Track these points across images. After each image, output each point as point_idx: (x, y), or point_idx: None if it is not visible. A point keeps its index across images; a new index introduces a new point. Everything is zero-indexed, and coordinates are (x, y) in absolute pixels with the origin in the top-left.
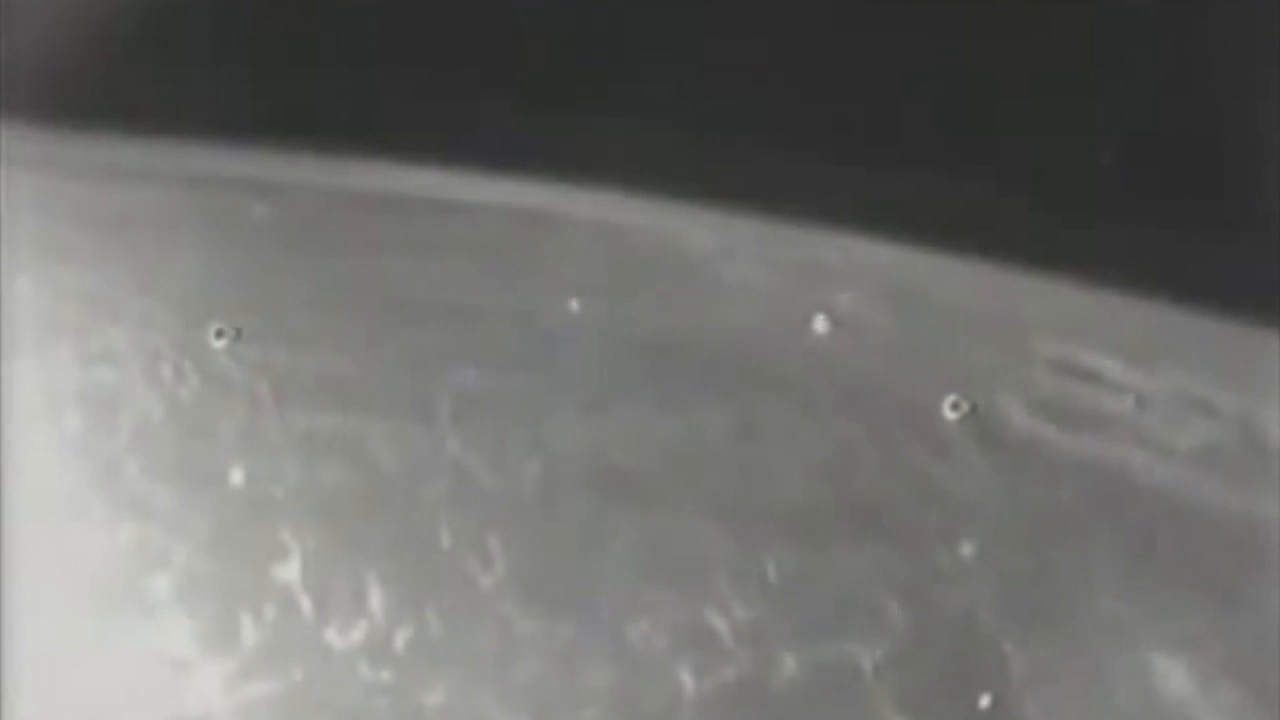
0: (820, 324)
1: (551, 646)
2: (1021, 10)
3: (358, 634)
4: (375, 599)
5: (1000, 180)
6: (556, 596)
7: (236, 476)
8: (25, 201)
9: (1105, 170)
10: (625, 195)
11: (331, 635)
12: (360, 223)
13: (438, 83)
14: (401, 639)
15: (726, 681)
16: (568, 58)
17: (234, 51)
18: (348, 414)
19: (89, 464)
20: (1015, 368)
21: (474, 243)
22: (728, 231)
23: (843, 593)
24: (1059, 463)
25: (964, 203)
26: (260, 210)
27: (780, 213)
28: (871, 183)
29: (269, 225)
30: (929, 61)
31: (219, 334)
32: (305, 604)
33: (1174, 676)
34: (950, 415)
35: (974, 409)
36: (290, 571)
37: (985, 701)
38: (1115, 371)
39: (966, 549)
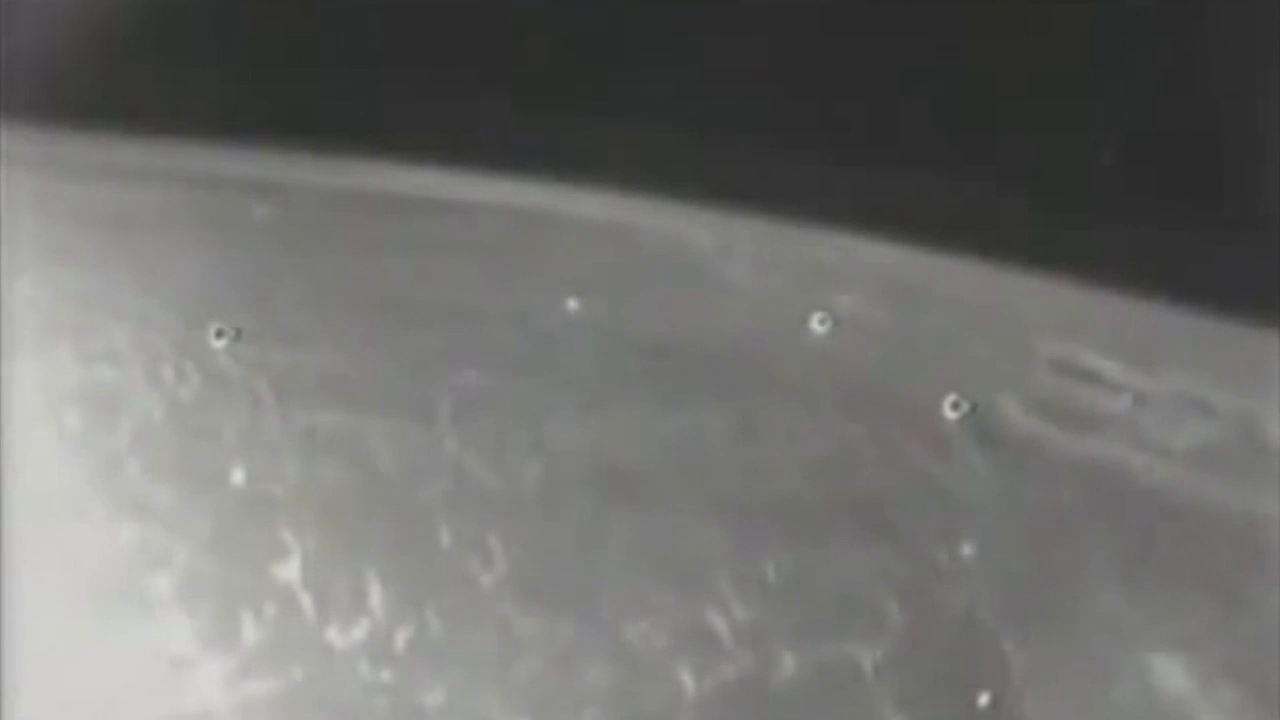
0: (820, 324)
1: (551, 646)
2: (1021, 10)
3: (358, 633)
4: (375, 598)
5: (1000, 180)
6: (556, 596)
7: (237, 476)
8: (25, 201)
9: (1105, 170)
10: (625, 195)
11: (332, 634)
12: (360, 223)
13: (438, 83)
14: (402, 638)
15: (726, 681)
16: (568, 58)
17: (234, 51)
18: (348, 413)
19: (89, 463)
20: (1015, 367)
21: (474, 243)
22: (728, 231)
23: (842, 592)
24: (1059, 462)
25: (964, 203)
26: (260, 210)
27: (780, 213)
28: (871, 183)
29: (269, 225)
30: (929, 61)
31: (219, 334)
32: (306, 603)
33: (1173, 676)
34: (950, 415)
35: (974, 408)
36: (291, 571)
37: (984, 700)
38: (1115, 371)
39: (966, 548)
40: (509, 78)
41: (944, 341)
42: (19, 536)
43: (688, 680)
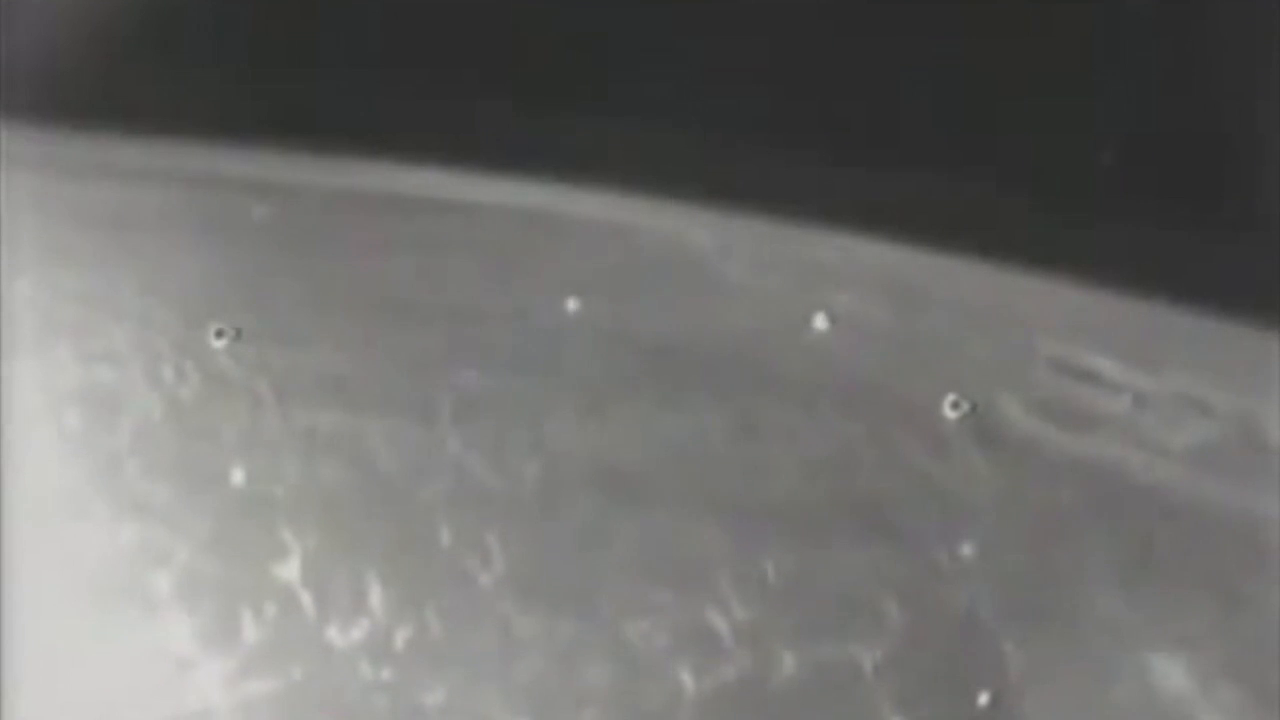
0: (820, 323)
1: (551, 645)
2: (1021, 10)
3: (358, 632)
4: (375, 598)
5: (1000, 180)
6: (556, 596)
7: (237, 476)
8: (25, 201)
9: (1105, 170)
10: (625, 195)
11: (332, 634)
12: (360, 223)
13: (438, 83)
14: (401, 638)
15: (726, 681)
16: (568, 58)
17: (234, 51)
18: (348, 413)
19: (90, 463)
20: (1015, 367)
21: (474, 243)
22: (728, 231)
23: (842, 592)
24: (1058, 462)
25: (964, 203)
26: (260, 210)
27: (780, 213)
28: (871, 183)
29: (269, 225)
30: (929, 61)
31: (219, 334)
32: (306, 602)
33: (1173, 675)
34: (950, 414)
35: (974, 408)
36: (291, 570)
37: (984, 700)
38: (1114, 371)
39: (966, 548)
40: (509, 78)
41: (944, 341)
42: (19, 536)
43: (687, 680)
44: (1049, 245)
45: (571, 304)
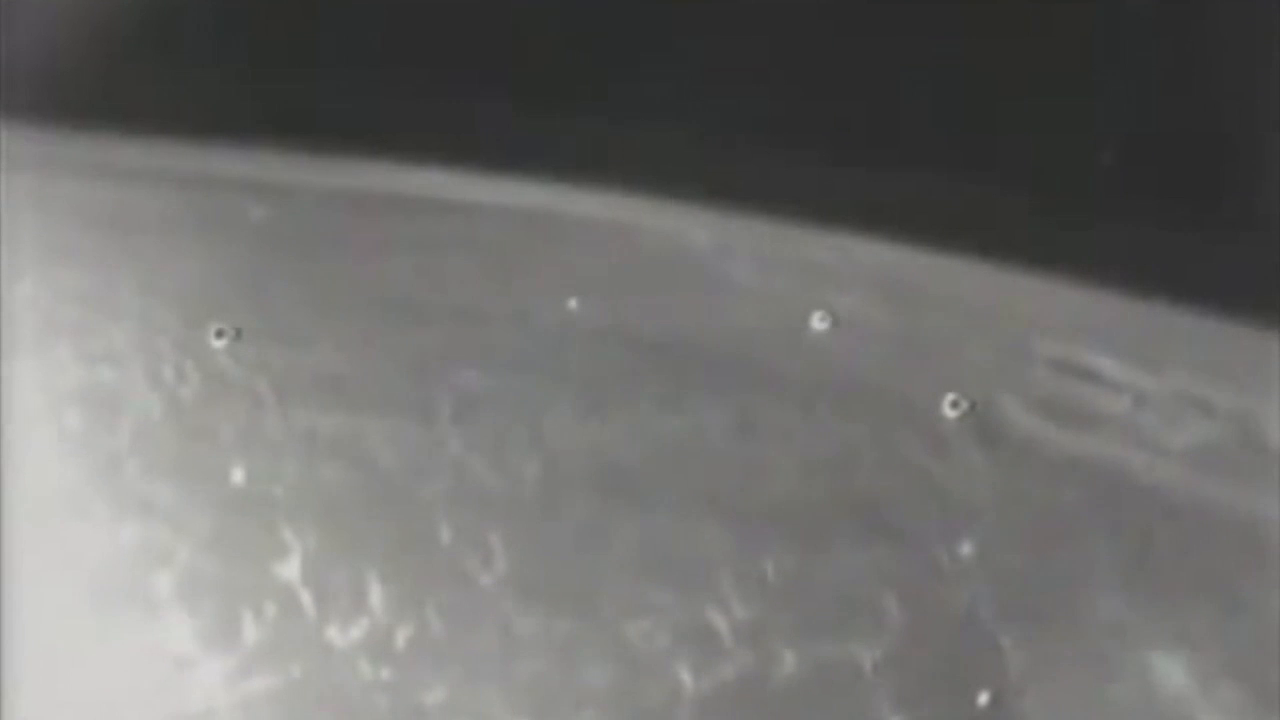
0: (820, 323)
1: (551, 645)
2: (1021, 10)
3: (358, 632)
4: (375, 597)
5: (1000, 180)
6: (556, 595)
7: (237, 475)
8: (25, 201)
9: (1105, 170)
10: (625, 195)
11: (332, 633)
12: (360, 223)
13: (438, 83)
14: (402, 637)
15: (726, 680)
16: (568, 58)
17: (234, 51)
18: (348, 413)
19: (90, 463)
20: (1015, 367)
21: (474, 243)
22: (728, 231)
23: (842, 591)
24: (1058, 462)
25: (964, 203)
26: (259, 211)
27: (780, 213)
28: (871, 183)
29: (269, 225)
30: (929, 61)
31: (219, 334)
32: (306, 602)
33: (1173, 675)
34: (950, 414)
35: (974, 408)
36: (291, 569)
37: (984, 699)
38: (1114, 371)
39: (966, 547)
40: (509, 78)
41: (944, 341)
42: (19, 536)
43: (687, 679)
44: (1049, 245)
45: (571, 304)
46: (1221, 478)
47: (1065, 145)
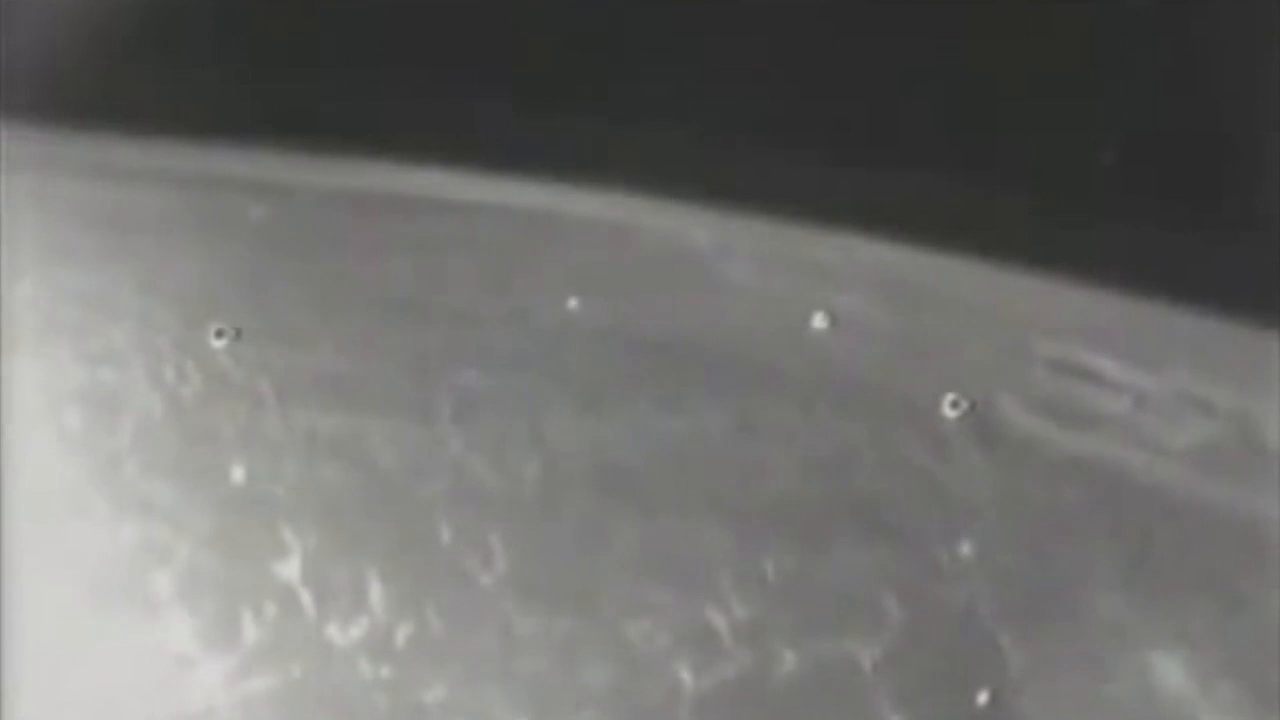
0: (820, 323)
1: (551, 644)
2: (1021, 10)
3: (358, 631)
4: (375, 596)
5: (1000, 180)
6: (556, 594)
7: (237, 475)
8: (25, 201)
9: (1105, 170)
10: (625, 195)
11: (332, 632)
12: (360, 223)
13: (438, 83)
14: (402, 636)
15: (726, 679)
16: (568, 58)
17: (234, 51)
18: (348, 413)
19: (90, 463)
20: (1015, 367)
21: (474, 243)
22: (728, 231)
23: (842, 590)
24: (1058, 461)
25: (964, 203)
26: (259, 210)
27: (780, 213)
28: (871, 183)
29: (268, 225)
30: (929, 61)
31: (219, 334)
32: (306, 601)
33: (1173, 674)
34: (950, 414)
35: (973, 407)
36: (291, 569)
37: (983, 698)
38: (1114, 371)
39: (965, 547)
40: (509, 78)
41: (944, 341)
42: (20, 535)
43: (687, 678)
44: (1049, 245)
45: (571, 304)
46: (1221, 478)
47: (1065, 145)
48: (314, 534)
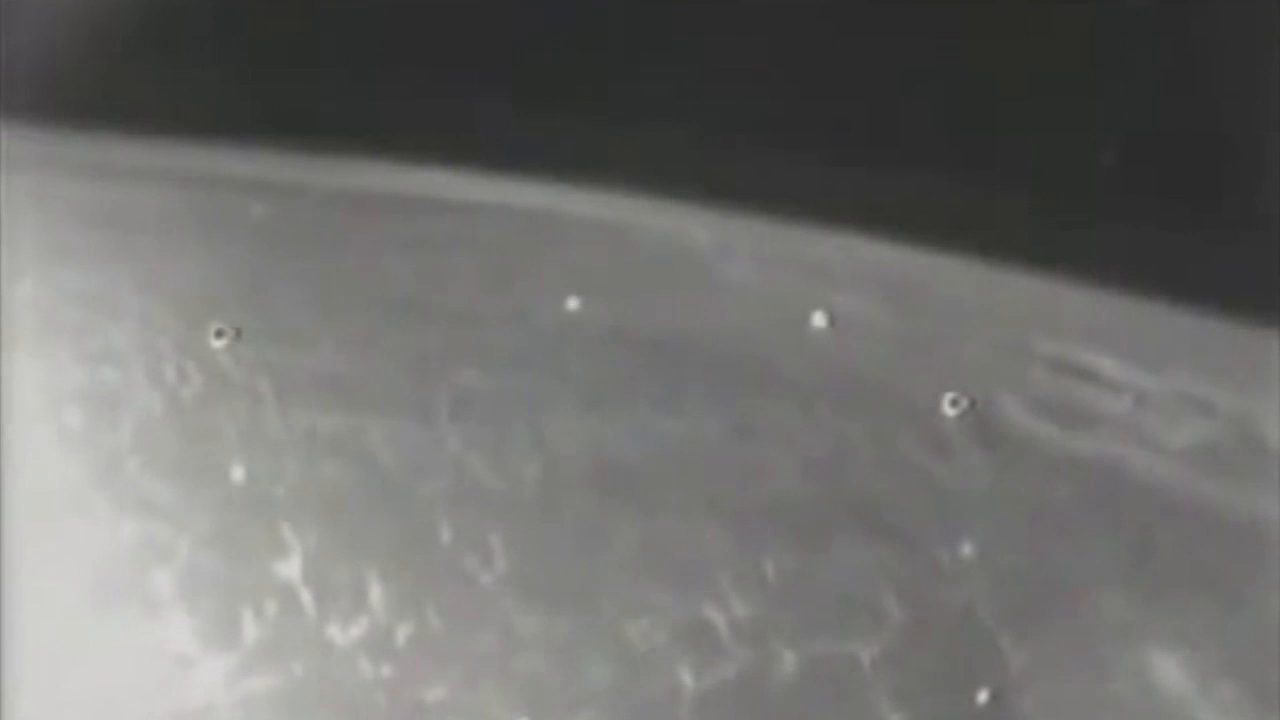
0: (820, 322)
1: (551, 643)
2: (1021, 10)
3: (358, 630)
4: (376, 595)
5: (1000, 180)
6: (556, 594)
7: (238, 474)
8: (25, 201)
9: (1105, 170)
10: (625, 195)
11: (332, 631)
12: (360, 223)
13: (438, 83)
14: (402, 635)
15: (726, 678)
16: (568, 58)
17: (234, 51)
18: (348, 412)
19: (91, 462)
20: (1015, 367)
21: (474, 243)
22: (728, 231)
23: (842, 590)
24: (1058, 461)
25: (964, 203)
26: (259, 210)
27: (780, 213)
28: (871, 183)
29: (268, 225)
30: (929, 61)
31: (219, 333)
32: (306, 600)
33: (1172, 674)
34: (950, 414)
35: (973, 405)
36: (291, 568)
37: (983, 697)
38: (1114, 370)
39: (965, 546)
40: (509, 78)
41: (944, 341)
42: (20, 535)
43: (687, 677)
44: (1049, 245)
45: (571, 304)
46: (1221, 478)
47: (1065, 145)
48: (314, 533)
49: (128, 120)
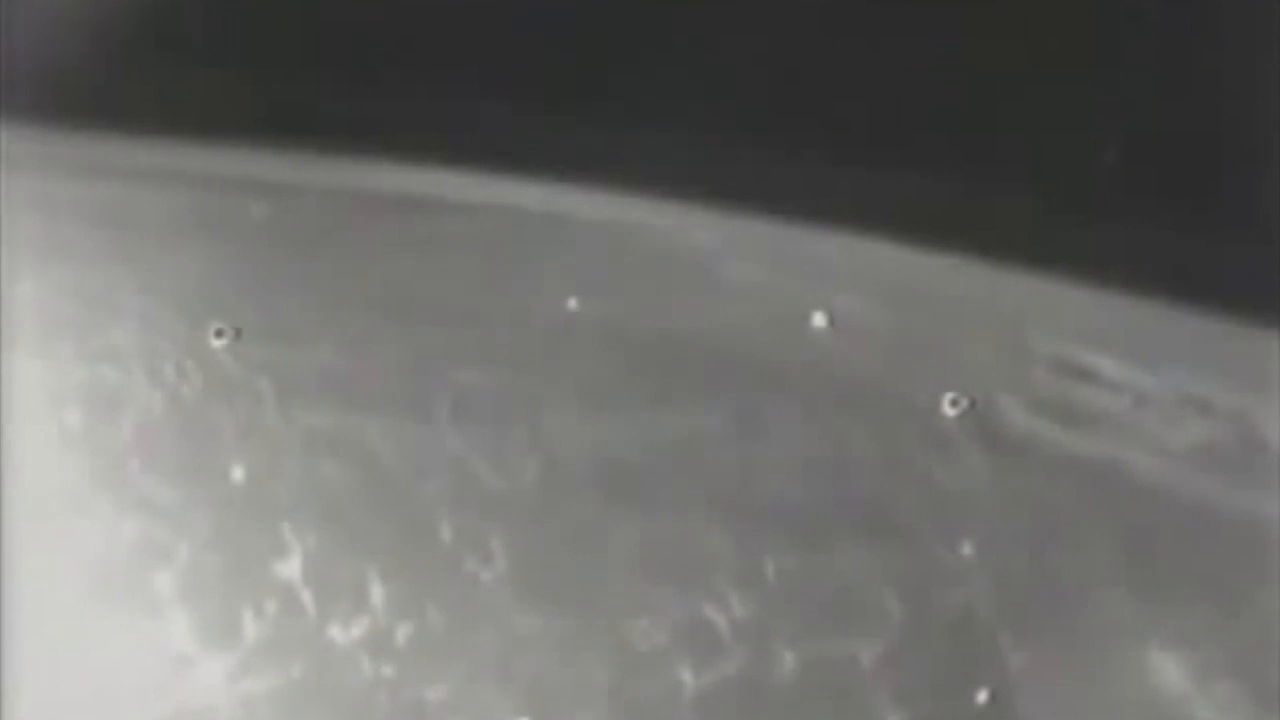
0: (820, 322)
1: (551, 642)
2: (1021, 10)
3: (359, 629)
4: (376, 595)
5: (1000, 180)
6: (556, 593)
7: (238, 473)
8: (25, 201)
9: (1106, 170)
10: (625, 195)
11: (333, 630)
12: (360, 223)
13: (438, 83)
14: (402, 634)
15: (726, 677)
16: (568, 58)
17: (234, 51)
18: (348, 412)
19: (91, 461)
20: (1015, 367)
21: (474, 243)
22: (728, 231)
23: (842, 589)
24: (1058, 460)
25: (964, 203)
26: (260, 210)
27: (780, 213)
28: (871, 183)
29: (269, 225)
30: (929, 61)
31: (219, 333)
32: (306, 599)
33: (1172, 673)
34: (950, 414)
35: (973, 405)
36: (291, 567)
37: (983, 697)
38: (1114, 370)
39: (965, 546)
40: (509, 78)
41: (944, 341)
42: (20, 534)
43: (687, 677)
44: (1049, 245)
45: (571, 304)
46: (1221, 478)
47: (1065, 145)
48: (314, 533)
49: (128, 120)
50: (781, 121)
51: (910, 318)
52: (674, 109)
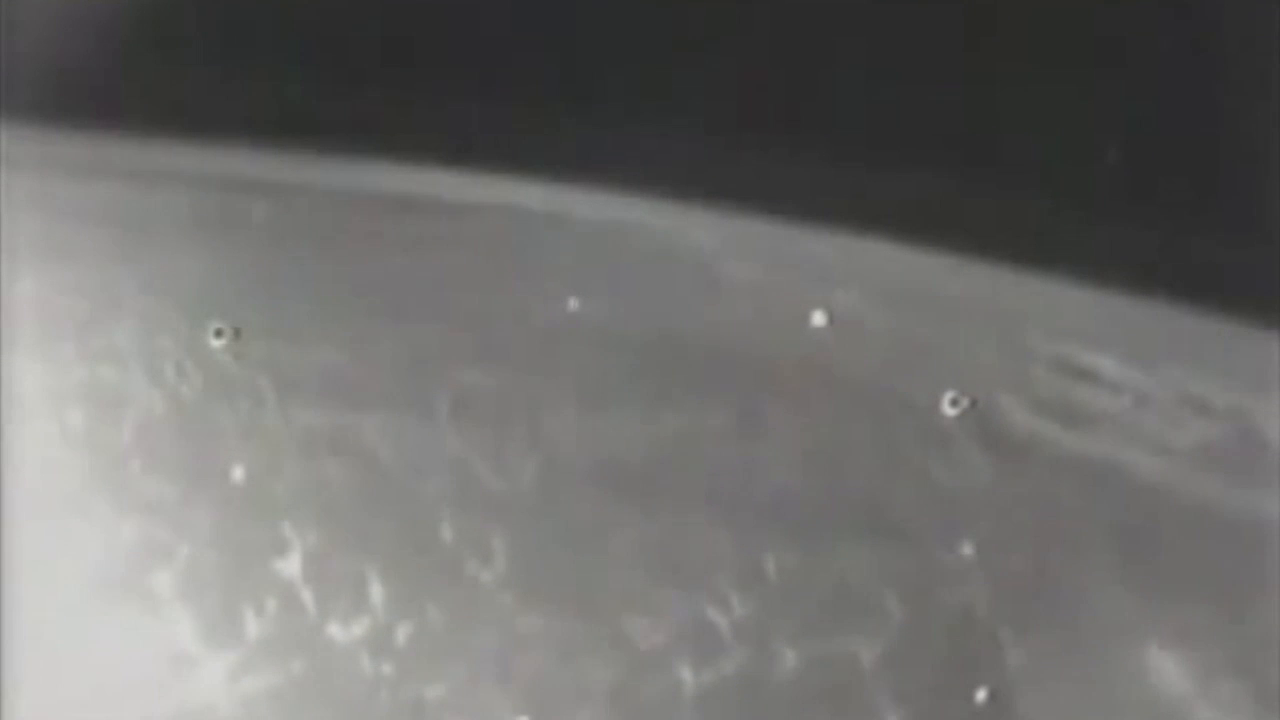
0: (820, 322)
1: (552, 642)
2: (1021, 10)
3: (359, 628)
4: (376, 593)
5: (1000, 180)
6: (557, 592)
7: (238, 473)
8: (25, 201)
9: (1107, 170)
10: (625, 195)
11: (333, 629)
12: (360, 223)
13: (438, 83)
14: (402, 633)
15: (726, 677)
16: (568, 58)
17: (234, 51)
18: (348, 411)
19: (91, 461)
20: (1015, 367)
21: (474, 243)
22: (728, 231)
23: (842, 588)
24: (1058, 460)
25: (964, 202)
26: (260, 210)
27: (780, 213)
28: (871, 183)
29: (269, 225)
30: (929, 61)
31: (219, 333)
32: (307, 598)
33: (1172, 673)
34: (950, 413)
35: (973, 404)
36: (292, 566)
37: (982, 696)
38: (1114, 370)
39: (965, 545)
40: (509, 78)
41: (944, 340)
42: (20, 533)
43: (687, 676)
44: (1049, 245)
45: (571, 304)
46: (1221, 477)
47: (1066, 145)
48: (314, 532)
49: (128, 120)
50: (781, 121)
51: (910, 317)
52: (674, 109)
